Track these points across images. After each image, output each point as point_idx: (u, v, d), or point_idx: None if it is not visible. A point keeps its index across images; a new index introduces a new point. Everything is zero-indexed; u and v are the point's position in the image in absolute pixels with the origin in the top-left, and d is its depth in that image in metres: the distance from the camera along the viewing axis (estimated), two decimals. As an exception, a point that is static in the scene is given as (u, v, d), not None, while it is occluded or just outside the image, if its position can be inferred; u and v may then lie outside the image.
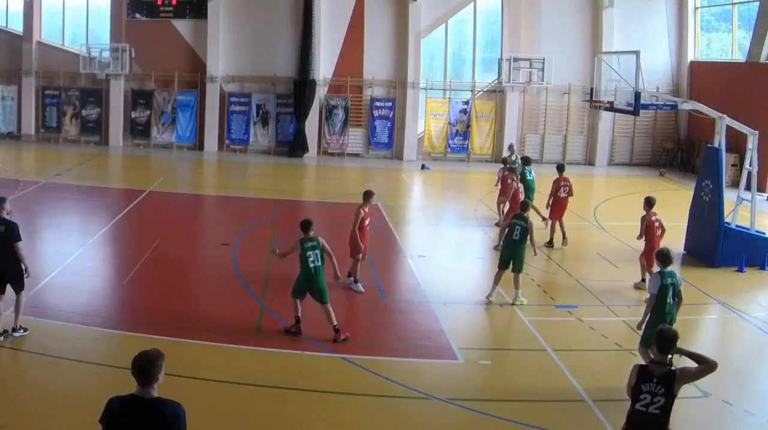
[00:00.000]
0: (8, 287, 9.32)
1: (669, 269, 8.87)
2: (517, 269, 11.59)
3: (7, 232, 9.16)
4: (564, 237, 15.46)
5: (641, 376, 5.85)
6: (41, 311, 10.19)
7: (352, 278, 12.01)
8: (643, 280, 12.46)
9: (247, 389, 8.33)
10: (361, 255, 11.92)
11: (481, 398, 8.35)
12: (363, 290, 11.94)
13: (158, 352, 4.84)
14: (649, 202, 12.78)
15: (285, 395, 8.27)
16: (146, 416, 4.70)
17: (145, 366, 4.74)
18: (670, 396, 5.77)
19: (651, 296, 8.78)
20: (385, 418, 7.96)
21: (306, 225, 9.82)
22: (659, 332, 6.06)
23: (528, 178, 16.59)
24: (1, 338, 9.18)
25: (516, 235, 11.62)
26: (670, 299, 8.65)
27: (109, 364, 8.62)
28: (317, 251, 9.66)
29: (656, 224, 12.63)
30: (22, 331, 9.35)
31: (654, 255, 10.20)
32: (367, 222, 12.01)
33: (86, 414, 7.10)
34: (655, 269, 9.82)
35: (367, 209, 11.94)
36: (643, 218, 12.71)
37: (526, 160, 17.26)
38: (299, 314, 9.88)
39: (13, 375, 8.41)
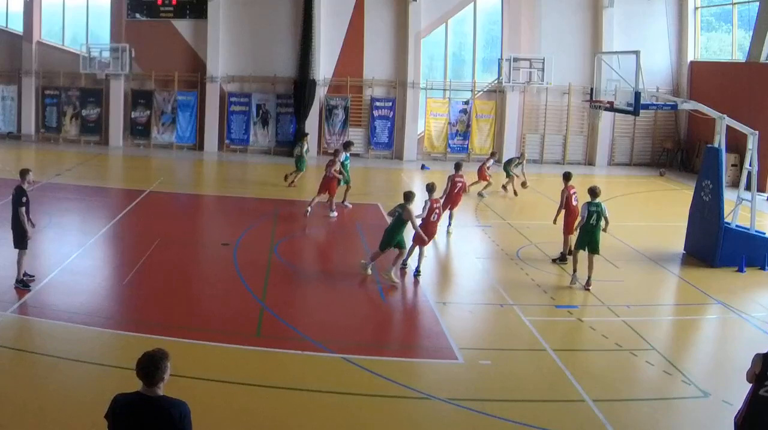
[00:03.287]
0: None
1: (596, 200, 12.25)
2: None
3: (14, 197, 10.95)
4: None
5: (767, 363, 5.96)
6: (41, 311, 10.21)
7: None
8: (562, 253, 14.17)
9: (247, 389, 8.33)
10: None
11: (481, 398, 8.34)
12: None
13: (163, 353, 4.82)
14: (566, 177, 14.49)
15: (285, 395, 8.27)
16: (152, 414, 4.70)
17: (150, 369, 4.73)
18: None
19: (581, 218, 12.33)
20: (385, 418, 7.96)
21: None
22: None
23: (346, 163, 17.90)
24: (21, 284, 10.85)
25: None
26: (593, 221, 12.21)
27: (109, 364, 8.62)
28: None
29: (574, 195, 14.20)
30: (28, 276, 11.02)
31: (586, 190, 12.56)
32: None
33: (86, 414, 7.12)
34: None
35: None
36: (563, 191, 14.23)
37: (346, 146, 18.61)
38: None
39: (13, 375, 8.39)
